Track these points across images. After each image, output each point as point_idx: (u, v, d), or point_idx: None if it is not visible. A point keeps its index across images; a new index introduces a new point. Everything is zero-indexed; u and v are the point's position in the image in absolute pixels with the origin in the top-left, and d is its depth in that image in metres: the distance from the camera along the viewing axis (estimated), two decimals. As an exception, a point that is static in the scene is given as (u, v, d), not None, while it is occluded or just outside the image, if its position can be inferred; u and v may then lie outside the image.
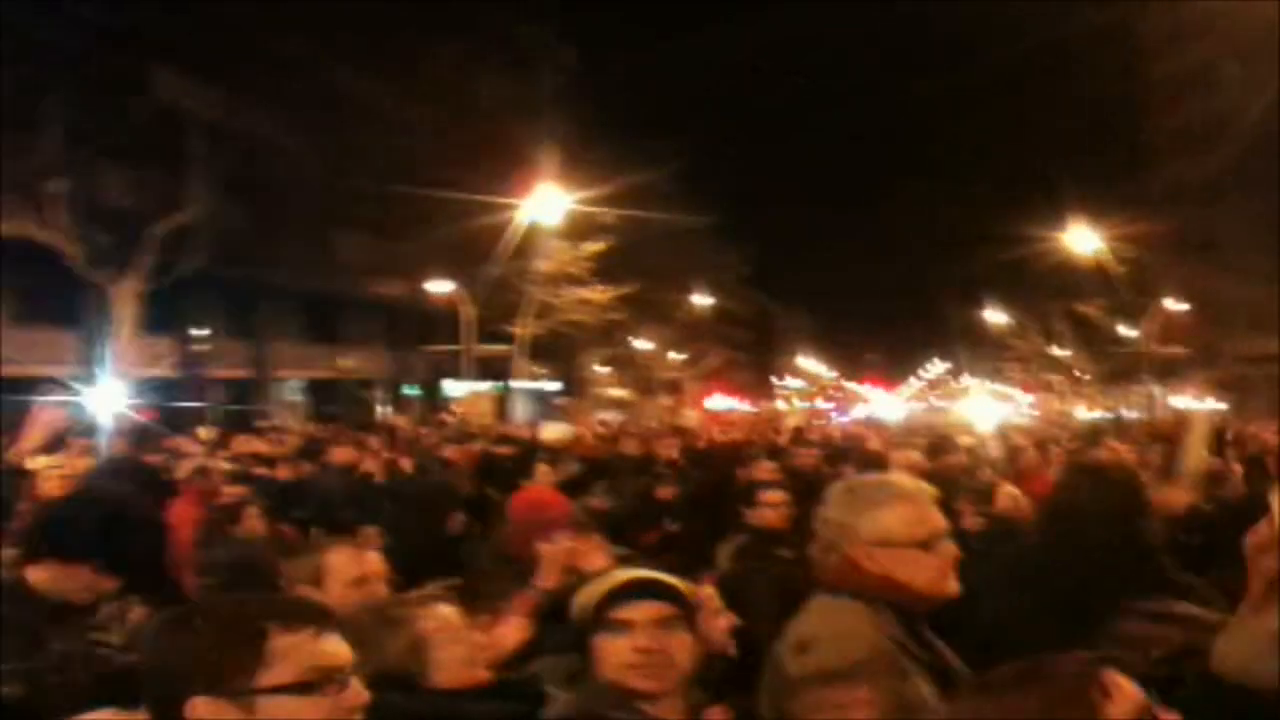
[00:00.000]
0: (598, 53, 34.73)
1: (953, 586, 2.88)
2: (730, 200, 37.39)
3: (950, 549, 2.91)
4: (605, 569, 3.40)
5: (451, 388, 34.75)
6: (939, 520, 2.94)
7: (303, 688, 1.86)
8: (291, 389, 35.29)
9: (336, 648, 1.92)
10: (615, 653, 2.71)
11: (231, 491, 7.32)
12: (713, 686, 2.93)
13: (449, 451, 12.25)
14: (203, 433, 14.37)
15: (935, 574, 2.87)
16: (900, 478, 3.22)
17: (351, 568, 3.26)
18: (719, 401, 47.28)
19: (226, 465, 8.77)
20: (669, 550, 6.71)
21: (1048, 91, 36.59)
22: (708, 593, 3.39)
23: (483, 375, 32.17)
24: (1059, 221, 33.61)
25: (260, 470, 9.62)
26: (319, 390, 35.64)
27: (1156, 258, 31.61)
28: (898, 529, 2.87)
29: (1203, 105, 25.96)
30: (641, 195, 29.02)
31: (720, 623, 3.28)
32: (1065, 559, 3.93)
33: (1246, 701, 2.48)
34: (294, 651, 1.87)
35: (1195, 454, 7.11)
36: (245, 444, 12.21)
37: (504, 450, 12.51)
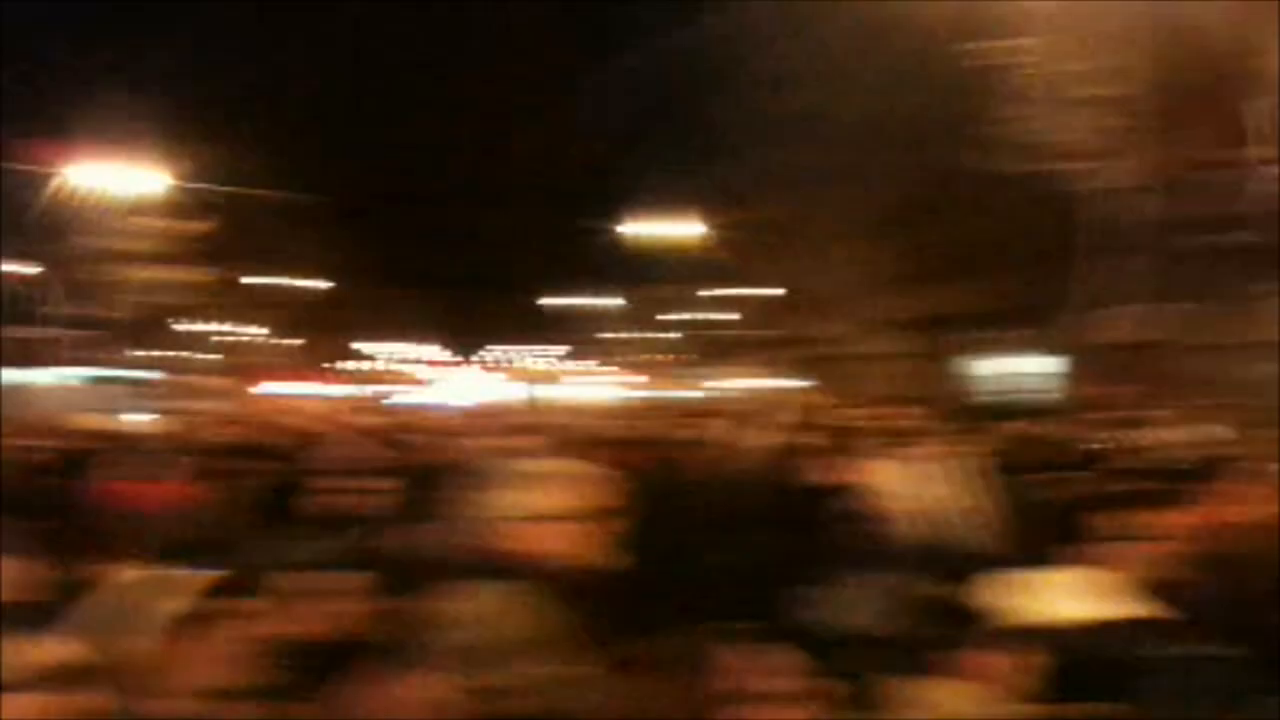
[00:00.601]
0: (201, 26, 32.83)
1: (608, 559, 2.98)
2: (335, 181, 36.28)
3: (605, 523, 3.01)
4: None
5: (29, 376, 31.83)
6: (592, 495, 3.03)
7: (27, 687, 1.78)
8: None
9: (60, 651, 1.83)
10: (212, 647, 2.61)
11: None
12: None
13: (25, 445, 11.28)
14: None
15: (587, 547, 2.97)
16: (550, 458, 3.29)
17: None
18: (310, 386, 45.99)
19: None
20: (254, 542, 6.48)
21: (646, 83, 38.25)
22: (365, 577, 3.39)
23: (68, 362, 29.73)
24: (653, 209, 35.29)
25: None
26: None
27: (750, 245, 33.79)
28: (548, 504, 2.95)
29: (794, 98, 27.89)
30: (244, 174, 27.80)
31: (371, 607, 3.30)
32: (663, 535, 4.22)
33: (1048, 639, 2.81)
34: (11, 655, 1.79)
35: (775, 430, 7.75)
36: None
37: (89, 445, 11.66)
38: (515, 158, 41.94)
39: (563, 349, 65.64)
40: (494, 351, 74.45)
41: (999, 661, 2.94)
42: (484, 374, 68.23)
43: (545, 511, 2.97)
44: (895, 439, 7.57)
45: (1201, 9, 15.58)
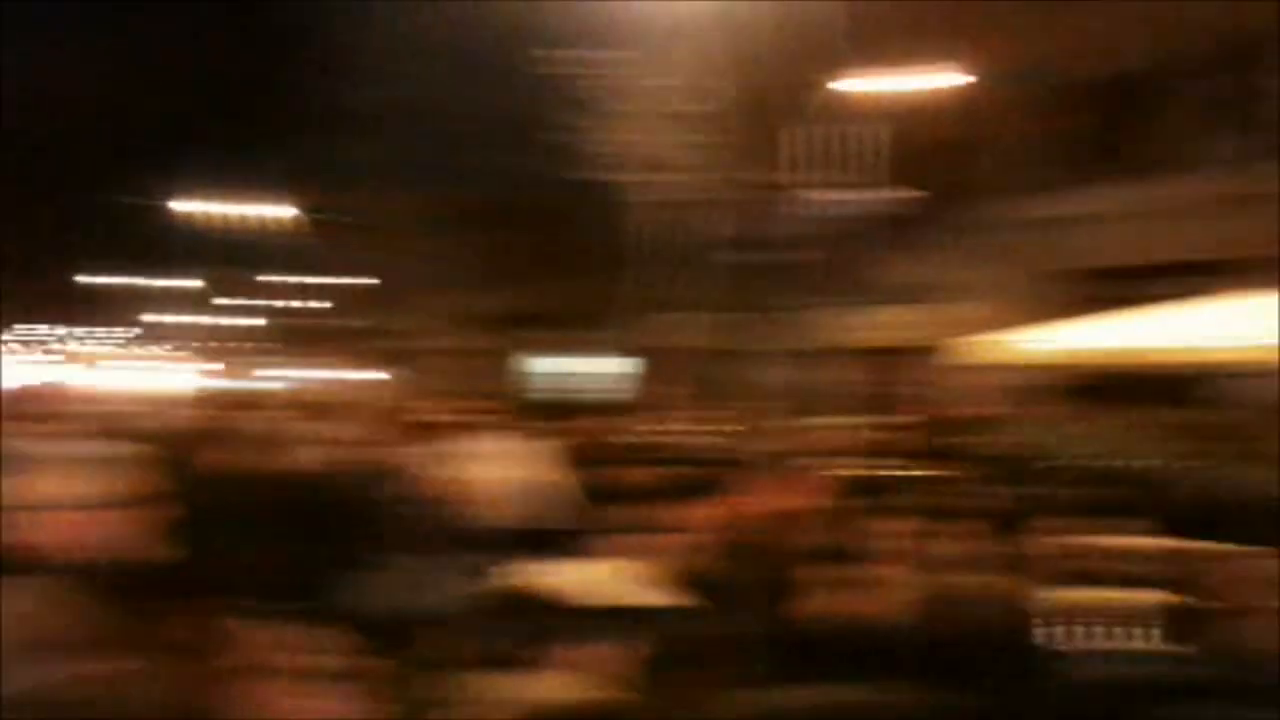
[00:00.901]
0: None
1: (155, 549, 2.79)
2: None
3: (151, 511, 2.82)
4: None
5: None
6: (124, 483, 2.84)
7: None
8: None
9: None
10: None
11: None
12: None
13: None
14: None
15: (128, 536, 2.75)
16: (81, 444, 3.07)
17: None
18: None
19: None
20: None
21: (236, 64, 36.37)
22: None
23: None
24: (237, 192, 33.60)
25: None
26: None
27: (337, 235, 32.96)
28: (73, 491, 2.73)
29: (386, 92, 27.51)
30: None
31: None
32: (207, 523, 4.06)
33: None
34: None
35: (345, 420, 7.64)
36: None
37: None
38: (78, 131, 38.78)
39: (124, 332, 61.35)
40: (35, 333, 68.63)
41: (540, 649, 3.05)
42: (21, 356, 62.78)
43: (68, 499, 2.78)
44: (464, 431, 7.66)
45: (773, 37, 16.75)
